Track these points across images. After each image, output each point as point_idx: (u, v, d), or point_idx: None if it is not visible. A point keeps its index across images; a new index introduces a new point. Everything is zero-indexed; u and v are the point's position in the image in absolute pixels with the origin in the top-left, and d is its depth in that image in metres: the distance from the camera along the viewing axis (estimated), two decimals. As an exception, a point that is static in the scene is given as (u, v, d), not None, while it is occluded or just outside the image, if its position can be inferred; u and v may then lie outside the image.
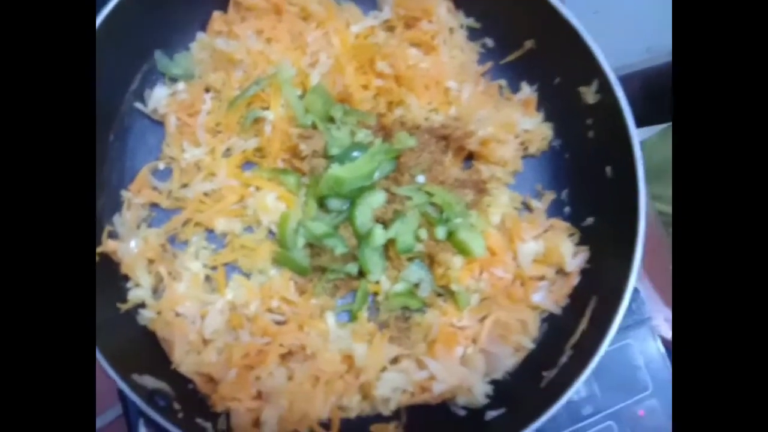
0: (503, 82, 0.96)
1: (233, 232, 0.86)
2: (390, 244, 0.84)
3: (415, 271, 0.85)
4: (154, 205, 0.88)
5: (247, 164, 0.90)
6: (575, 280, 0.85)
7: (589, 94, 0.84)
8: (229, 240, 0.87)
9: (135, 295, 0.82)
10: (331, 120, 0.88)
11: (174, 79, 0.91)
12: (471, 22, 0.95)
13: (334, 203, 0.85)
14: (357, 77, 0.90)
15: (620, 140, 0.79)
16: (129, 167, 0.88)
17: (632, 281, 0.74)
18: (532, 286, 0.85)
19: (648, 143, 1.40)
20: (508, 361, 0.83)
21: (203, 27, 0.92)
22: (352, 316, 0.85)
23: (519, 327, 0.84)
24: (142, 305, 0.82)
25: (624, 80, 0.81)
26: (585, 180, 0.89)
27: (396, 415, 0.81)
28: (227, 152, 0.88)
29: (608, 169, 0.83)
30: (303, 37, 0.91)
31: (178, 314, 0.81)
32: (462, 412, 0.81)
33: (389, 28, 0.95)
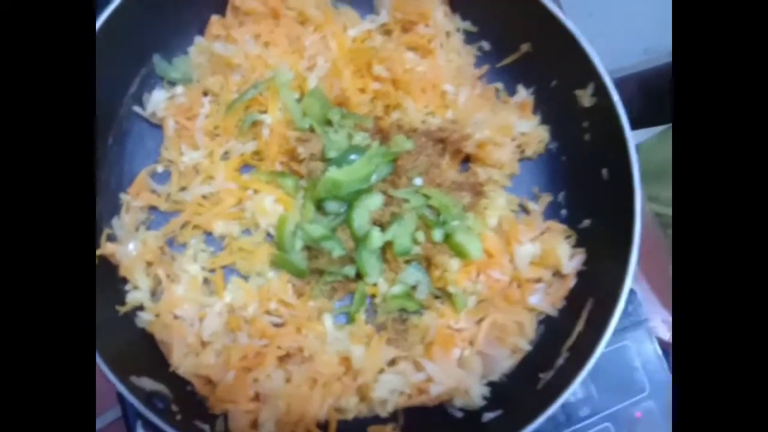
0: (500, 85, 0.96)
1: (231, 235, 0.86)
2: (387, 246, 0.84)
3: (413, 274, 0.85)
4: (152, 208, 0.88)
5: (245, 167, 0.91)
6: (572, 282, 0.85)
7: (585, 97, 0.85)
8: (228, 243, 0.87)
9: (133, 297, 0.82)
10: (329, 123, 0.89)
11: (172, 83, 0.92)
12: (467, 25, 0.96)
13: (332, 206, 0.86)
14: (354, 81, 0.90)
15: (616, 143, 0.79)
16: (127, 170, 0.89)
17: (628, 283, 0.75)
18: (529, 288, 0.86)
19: (646, 145, 1.40)
20: (505, 362, 0.84)
21: (201, 31, 0.93)
22: (350, 319, 0.86)
23: (516, 329, 0.84)
24: (141, 308, 0.83)
25: (622, 82, 0.81)
26: (581, 182, 0.89)
27: (393, 416, 0.82)
28: (225, 155, 0.89)
29: (604, 172, 0.84)
30: (300, 41, 0.91)
31: (176, 317, 0.82)
32: (459, 414, 0.82)
33: (386, 31, 0.95)
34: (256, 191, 0.87)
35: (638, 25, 2.03)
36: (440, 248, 0.85)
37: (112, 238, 0.84)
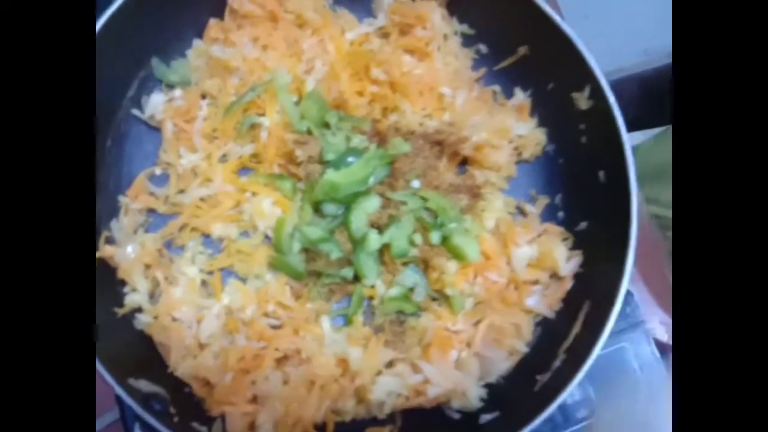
0: (497, 87, 0.96)
1: (229, 237, 0.87)
2: (385, 248, 0.85)
3: (410, 276, 0.85)
4: (150, 211, 0.88)
5: (244, 170, 0.91)
6: (569, 284, 0.85)
7: (582, 100, 0.85)
8: (226, 245, 0.87)
9: (132, 299, 0.83)
10: (327, 126, 0.89)
11: (171, 86, 0.92)
12: (465, 28, 0.96)
13: (330, 208, 0.86)
14: (352, 84, 0.91)
15: (613, 145, 0.80)
16: (126, 173, 0.89)
17: (624, 285, 0.75)
18: (526, 291, 0.86)
19: (643, 147, 1.40)
20: (502, 364, 0.84)
21: (200, 34, 0.93)
22: (348, 321, 0.86)
23: (513, 331, 0.84)
24: (139, 310, 0.83)
25: (622, 83, 0.81)
26: (578, 185, 0.89)
27: (391, 418, 0.82)
28: (223, 158, 0.89)
29: (601, 174, 0.84)
30: (298, 44, 0.92)
31: (174, 319, 0.82)
32: (456, 416, 0.82)
33: (384, 35, 0.96)
34: (254, 194, 0.88)
35: (638, 26, 2.03)
36: (437, 250, 0.85)
37: (110, 241, 0.84)
